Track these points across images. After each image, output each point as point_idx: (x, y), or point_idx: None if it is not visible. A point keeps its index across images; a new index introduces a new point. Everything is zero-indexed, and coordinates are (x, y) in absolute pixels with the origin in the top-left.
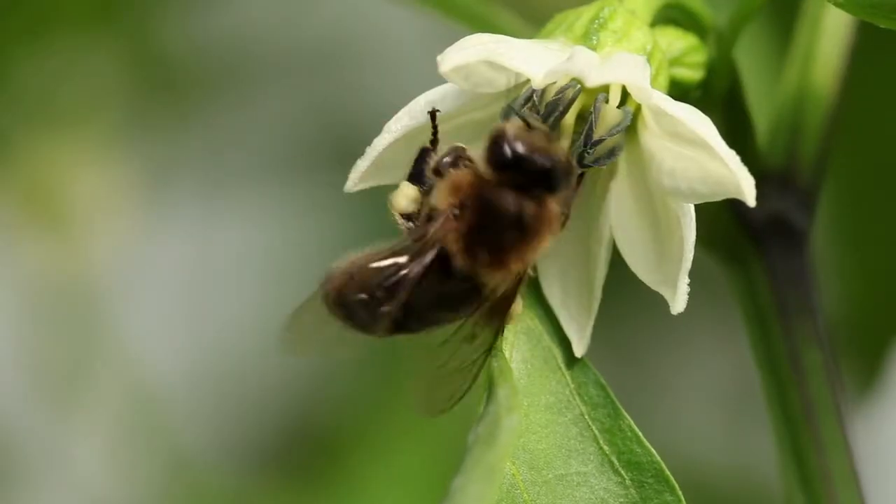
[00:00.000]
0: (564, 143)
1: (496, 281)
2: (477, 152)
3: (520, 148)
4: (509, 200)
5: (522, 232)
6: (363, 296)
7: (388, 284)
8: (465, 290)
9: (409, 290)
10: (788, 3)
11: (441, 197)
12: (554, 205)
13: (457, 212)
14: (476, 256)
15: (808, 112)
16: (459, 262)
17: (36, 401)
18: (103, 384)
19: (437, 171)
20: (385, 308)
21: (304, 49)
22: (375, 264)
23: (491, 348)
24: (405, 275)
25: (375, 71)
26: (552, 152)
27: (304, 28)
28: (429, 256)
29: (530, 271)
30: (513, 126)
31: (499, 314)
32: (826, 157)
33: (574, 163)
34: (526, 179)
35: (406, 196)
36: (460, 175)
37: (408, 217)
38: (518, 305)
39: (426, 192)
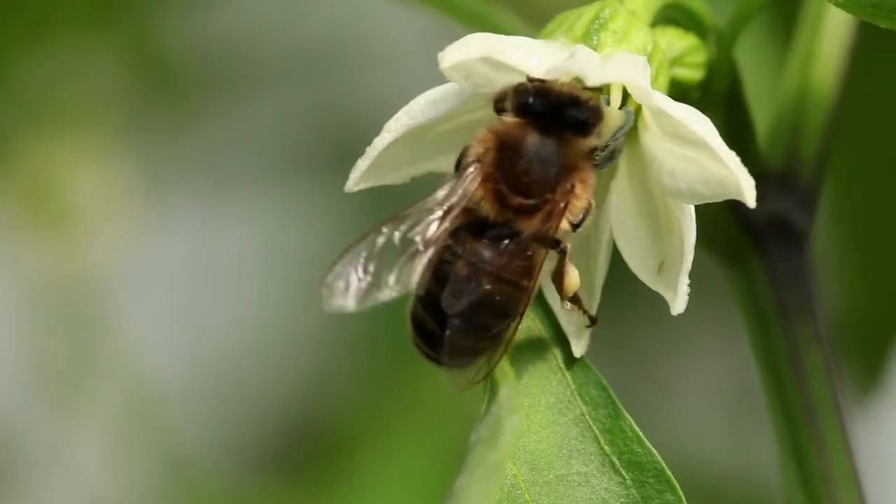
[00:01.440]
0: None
1: (534, 228)
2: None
3: (539, 86)
4: (527, 134)
5: (546, 168)
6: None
7: (422, 230)
8: (511, 253)
9: (444, 237)
10: (789, 3)
11: (471, 156)
12: (581, 147)
13: (480, 159)
14: (504, 199)
15: (808, 112)
16: (488, 208)
17: (36, 401)
18: (103, 384)
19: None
20: (422, 256)
21: (304, 49)
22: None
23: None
24: (434, 218)
25: (375, 71)
26: (572, 91)
27: (304, 28)
28: (457, 201)
29: (566, 229)
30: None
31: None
32: (826, 156)
33: (600, 106)
34: (545, 116)
35: None
36: (486, 131)
37: None
38: (571, 279)
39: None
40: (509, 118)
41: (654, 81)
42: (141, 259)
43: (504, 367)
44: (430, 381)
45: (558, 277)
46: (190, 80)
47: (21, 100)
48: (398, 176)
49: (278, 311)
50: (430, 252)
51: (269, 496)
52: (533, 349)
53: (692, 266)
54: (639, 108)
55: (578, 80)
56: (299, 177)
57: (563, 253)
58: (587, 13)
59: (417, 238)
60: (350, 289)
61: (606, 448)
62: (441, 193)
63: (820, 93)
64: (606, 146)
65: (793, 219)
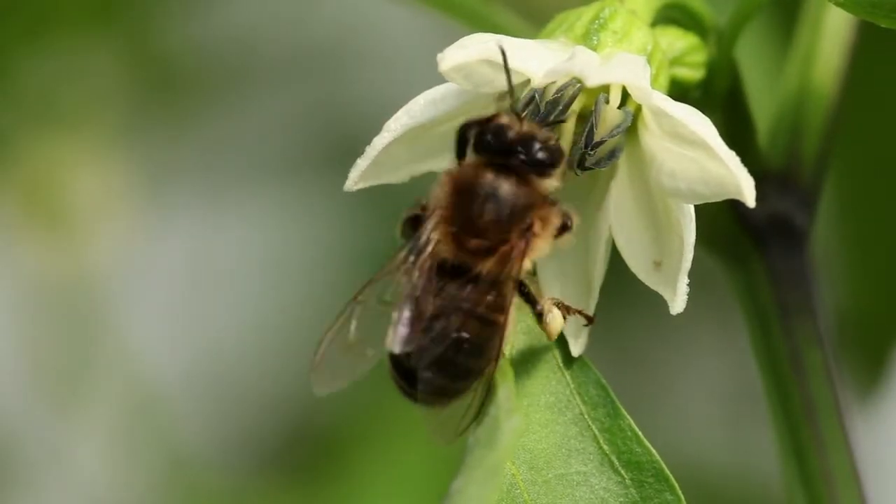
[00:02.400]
0: (564, 144)
1: (490, 270)
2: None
3: (497, 124)
4: (481, 174)
5: (499, 209)
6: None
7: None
8: (477, 291)
9: (422, 288)
10: (789, 3)
11: (432, 201)
12: (540, 186)
13: (438, 204)
14: (461, 242)
15: (808, 111)
16: (445, 250)
17: (36, 401)
18: (103, 384)
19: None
20: (402, 317)
21: (304, 49)
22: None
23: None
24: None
25: (375, 71)
26: (530, 131)
27: (304, 28)
28: (422, 246)
29: (528, 268)
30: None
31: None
32: (827, 156)
33: (560, 147)
34: (500, 154)
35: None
36: (444, 174)
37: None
38: (555, 322)
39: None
40: (469, 156)
41: (654, 81)
42: (141, 259)
43: (503, 366)
44: None
45: (540, 322)
46: (190, 81)
47: (21, 100)
48: (398, 175)
49: (278, 311)
50: (407, 308)
51: (269, 496)
52: (532, 349)
53: (692, 266)
54: (639, 108)
55: (578, 80)
56: (299, 177)
57: (525, 295)
58: (587, 13)
59: (391, 299)
60: (337, 370)
61: (605, 447)
62: (404, 252)
63: (820, 92)
64: (602, 141)
65: (793, 218)
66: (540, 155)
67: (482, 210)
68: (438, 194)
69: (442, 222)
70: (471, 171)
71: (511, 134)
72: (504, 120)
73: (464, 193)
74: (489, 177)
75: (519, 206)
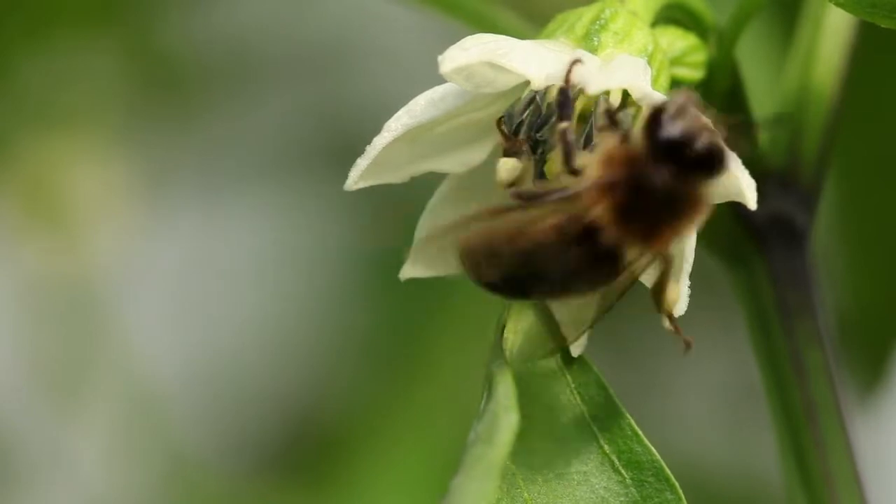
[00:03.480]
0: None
1: (638, 255)
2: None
3: (683, 130)
4: (650, 165)
5: (673, 212)
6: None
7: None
8: (600, 259)
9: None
10: (790, 3)
11: (590, 166)
12: (707, 188)
13: (606, 184)
14: (628, 230)
15: (809, 111)
16: (610, 233)
17: (36, 401)
18: (103, 384)
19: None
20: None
21: (305, 49)
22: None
23: (606, 311)
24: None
25: (376, 70)
26: (714, 139)
27: (304, 28)
28: (562, 217)
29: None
30: (676, 106)
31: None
32: (827, 156)
33: (727, 149)
34: (684, 162)
35: (507, 170)
36: (613, 148)
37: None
38: (675, 294)
39: (528, 159)
40: (639, 144)
41: (654, 82)
42: (141, 259)
43: (502, 364)
44: (429, 381)
45: (659, 291)
46: (190, 80)
47: (21, 100)
48: (398, 175)
49: (278, 311)
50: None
51: (269, 496)
52: None
53: (693, 266)
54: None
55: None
56: (299, 176)
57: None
58: (588, 14)
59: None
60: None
61: (606, 447)
62: (555, 195)
63: (821, 92)
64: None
65: (794, 218)
66: (717, 165)
67: (657, 212)
68: (602, 171)
69: (606, 200)
70: (647, 166)
71: (693, 143)
72: (684, 120)
73: (638, 188)
74: (667, 176)
75: (692, 212)
